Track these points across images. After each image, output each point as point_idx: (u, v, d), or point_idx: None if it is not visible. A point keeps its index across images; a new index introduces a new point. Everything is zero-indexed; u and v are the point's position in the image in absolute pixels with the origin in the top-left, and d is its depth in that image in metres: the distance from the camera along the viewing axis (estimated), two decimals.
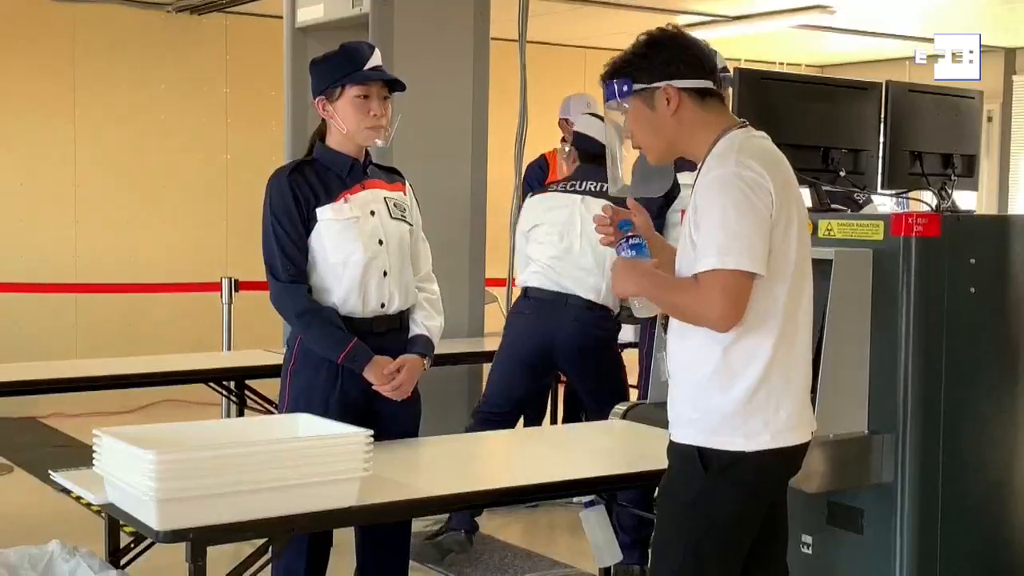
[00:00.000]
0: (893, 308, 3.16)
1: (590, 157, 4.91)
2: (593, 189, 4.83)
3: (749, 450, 2.57)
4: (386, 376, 3.36)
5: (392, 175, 3.60)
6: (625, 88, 2.67)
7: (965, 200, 4.29)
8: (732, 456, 2.57)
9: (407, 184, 3.63)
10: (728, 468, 2.58)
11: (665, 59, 2.65)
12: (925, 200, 3.75)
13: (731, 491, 2.60)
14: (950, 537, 3.23)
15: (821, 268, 3.17)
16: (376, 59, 3.42)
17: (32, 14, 8.13)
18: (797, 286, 2.61)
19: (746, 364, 2.56)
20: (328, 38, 6.44)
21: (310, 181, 3.40)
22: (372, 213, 3.43)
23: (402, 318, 3.50)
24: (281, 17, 6.61)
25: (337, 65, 3.41)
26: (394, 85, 3.46)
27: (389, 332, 3.45)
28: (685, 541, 2.63)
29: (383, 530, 3.46)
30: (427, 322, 3.55)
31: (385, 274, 3.43)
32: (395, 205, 3.50)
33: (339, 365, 3.36)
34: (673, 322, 2.70)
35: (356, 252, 3.38)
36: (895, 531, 3.19)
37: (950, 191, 3.74)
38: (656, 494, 2.73)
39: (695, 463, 2.60)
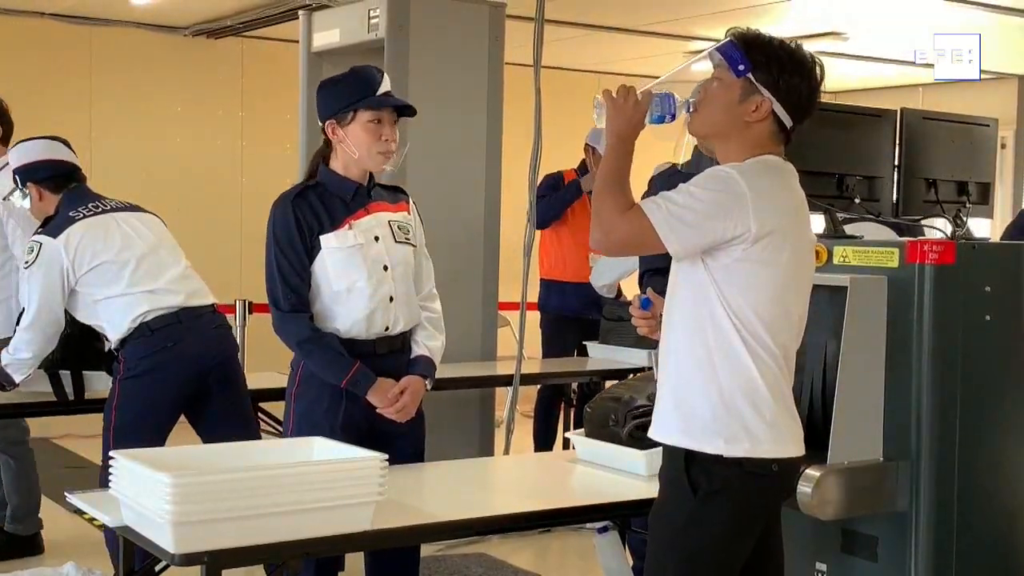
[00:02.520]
0: (908, 335, 3.16)
1: (68, 179, 4.34)
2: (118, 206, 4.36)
3: (728, 455, 2.57)
4: (389, 399, 3.37)
5: (396, 194, 3.59)
6: (741, 67, 2.62)
7: (979, 228, 4.28)
8: (713, 466, 2.57)
9: (410, 202, 3.62)
10: (717, 492, 2.58)
11: (790, 80, 2.63)
12: (939, 227, 3.75)
13: (720, 514, 2.60)
14: (965, 566, 3.21)
15: (835, 295, 3.17)
16: (386, 84, 3.43)
17: (49, 36, 8.19)
18: (781, 313, 2.61)
19: (729, 369, 2.58)
20: (344, 63, 6.43)
21: (314, 207, 3.39)
22: (376, 239, 3.43)
23: (404, 339, 3.52)
24: (296, 41, 6.65)
25: (349, 89, 3.40)
26: (404, 110, 3.46)
27: (391, 353, 3.47)
28: (676, 565, 2.63)
29: (393, 555, 3.46)
30: (428, 342, 3.56)
31: (391, 299, 3.44)
32: (399, 228, 3.50)
33: (342, 394, 3.37)
34: (665, 317, 2.72)
35: (360, 280, 3.38)
36: (910, 559, 3.17)
37: (965, 218, 3.74)
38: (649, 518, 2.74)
39: (683, 487, 2.60)
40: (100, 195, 4.38)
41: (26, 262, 4.15)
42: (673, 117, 2.70)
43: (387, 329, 3.44)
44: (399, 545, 3.32)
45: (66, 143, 4.49)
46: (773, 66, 2.63)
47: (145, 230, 4.32)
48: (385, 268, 3.43)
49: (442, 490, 3.39)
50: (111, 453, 2.72)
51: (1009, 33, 8.11)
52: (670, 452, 2.68)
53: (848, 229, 3.58)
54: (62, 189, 4.31)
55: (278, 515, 2.58)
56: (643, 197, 2.71)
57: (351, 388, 3.34)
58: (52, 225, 4.19)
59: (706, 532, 2.60)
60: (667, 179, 4.41)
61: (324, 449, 2.95)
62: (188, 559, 2.50)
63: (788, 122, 2.66)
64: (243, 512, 2.54)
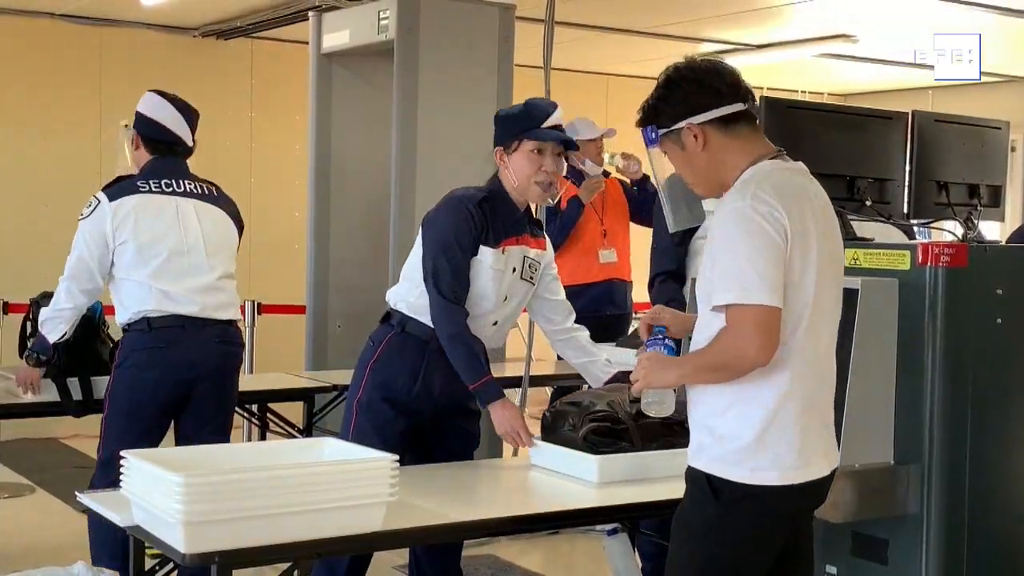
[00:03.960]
0: (919, 338, 3.15)
1: (165, 147, 4.32)
2: (194, 191, 4.30)
3: (753, 483, 2.55)
4: (510, 433, 3.49)
5: (537, 230, 3.75)
6: (653, 135, 2.69)
7: (990, 230, 4.27)
8: (737, 487, 2.55)
9: (547, 238, 3.80)
10: (738, 501, 2.56)
11: (682, 97, 2.65)
12: (950, 229, 3.74)
13: (742, 520, 2.58)
14: (976, 569, 3.21)
15: (847, 297, 3.17)
16: (556, 117, 3.57)
17: (59, 37, 8.21)
18: (815, 319, 2.58)
19: (760, 396, 2.55)
20: (354, 64, 6.50)
21: (487, 217, 3.55)
22: (513, 270, 3.61)
23: None
24: (306, 43, 6.66)
25: (517, 119, 3.58)
26: (568, 145, 3.61)
27: None
28: (695, 568, 2.62)
29: (438, 555, 3.60)
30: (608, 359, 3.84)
31: (495, 324, 3.64)
32: (529, 266, 3.67)
33: (418, 377, 3.56)
34: (693, 344, 2.69)
35: (486, 301, 3.57)
36: (920, 562, 3.16)
37: (976, 221, 3.74)
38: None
39: (706, 490, 2.59)
40: (186, 173, 4.32)
41: (81, 214, 4.17)
42: (665, 336, 2.79)
43: None
44: (409, 545, 3.33)
45: (190, 116, 4.43)
46: (662, 108, 2.67)
47: (197, 225, 4.22)
48: (505, 299, 3.62)
49: (451, 491, 3.39)
50: (122, 453, 2.72)
51: (1021, 36, 8.09)
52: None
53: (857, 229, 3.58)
54: (155, 152, 4.29)
55: (289, 515, 2.58)
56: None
57: (475, 393, 3.49)
58: (117, 187, 4.21)
59: (725, 538, 2.59)
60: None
61: (335, 450, 2.95)
62: (199, 559, 2.50)
63: (723, 111, 2.62)
64: (254, 512, 2.54)
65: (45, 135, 8.18)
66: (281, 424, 5.38)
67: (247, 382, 5.46)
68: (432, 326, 3.56)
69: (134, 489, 2.66)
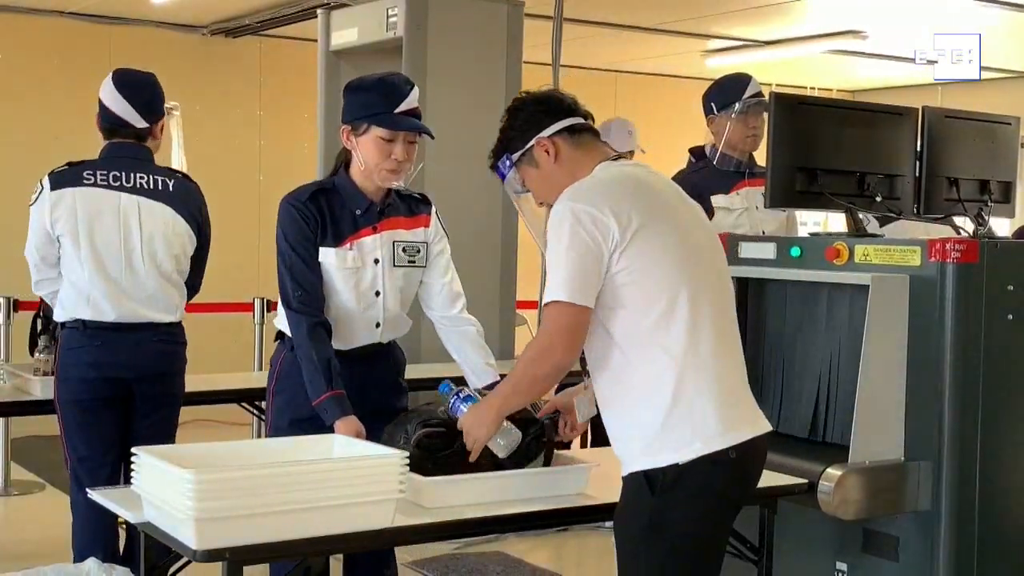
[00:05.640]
0: (930, 334, 3.15)
1: (111, 131, 4.15)
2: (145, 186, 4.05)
3: (683, 461, 2.54)
4: None
5: (417, 206, 3.45)
6: (508, 163, 2.82)
7: (1001, 227, 4.26)
8: (669, 471, 2.54)
9: (433, 214, 3.47)
10: (673, 485, 2.54)
11: (525, 118, 2.80)
12: (960, 225, 3.74)
13: (682, 507, 2.56)
14: (987, 565, 3.20)
15: (857, 293, 3.17)
16: (411, 100, 3.27)
17: (68, 36, 8.23)
18: (693, 300, 2.57)
19: (652, 387, 2.57)
20: (362, 61, 6.50)
21: (322, 213, 3.28)
22: (376, 261, 3.33)
23: (388, 345, 3.45)
24: (315, 40, 6.67)
25: (370, 100, 3.26)
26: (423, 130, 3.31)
27: (373, 356, 3.40)
28: (647, 567, 2.59)
29: (370, 558, 3.43)
30: (491, 362, 3.47)
31: (378, 325, 3.37)
32: (404, 250, 3.37)
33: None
34: (590, 362, 2.71)
35: (350, 302, 3.30)
36: (931, 559, 3.16)
37: (987, 217, 3.73)
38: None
39: (642, 487, 2.58)
40: (139, 163, 4.07)
41: (30, 199, 4.01)
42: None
43: (367, 345, 3.39)
44: (418, 542, 3.31)
45: (138, 94, 4.19)
46: (510, 136, 2.82)
47: (137, 228, 4.00)
48: (377, 294, 3.33)
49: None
50: (133, 450, 2.72)
51: None
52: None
53: (886, 228, 3.58)
54: (108, 137, 4.12)
55: (300, 512, 2.58)
56: None
57: (319, 412, 3.20)
58: (62, 174, 4.01)
59: (672, 528, 2.56)
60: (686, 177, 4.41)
61: (345, 447, 2.95)
62: (210, 555, 2.50)
63: (567, 122, 2.78)
64: (265, 509, 2.54)
65: (54, 134, 8.19)
66: None
67: (257, 379, 5.46)
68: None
69: (145, 486, 2.66)
